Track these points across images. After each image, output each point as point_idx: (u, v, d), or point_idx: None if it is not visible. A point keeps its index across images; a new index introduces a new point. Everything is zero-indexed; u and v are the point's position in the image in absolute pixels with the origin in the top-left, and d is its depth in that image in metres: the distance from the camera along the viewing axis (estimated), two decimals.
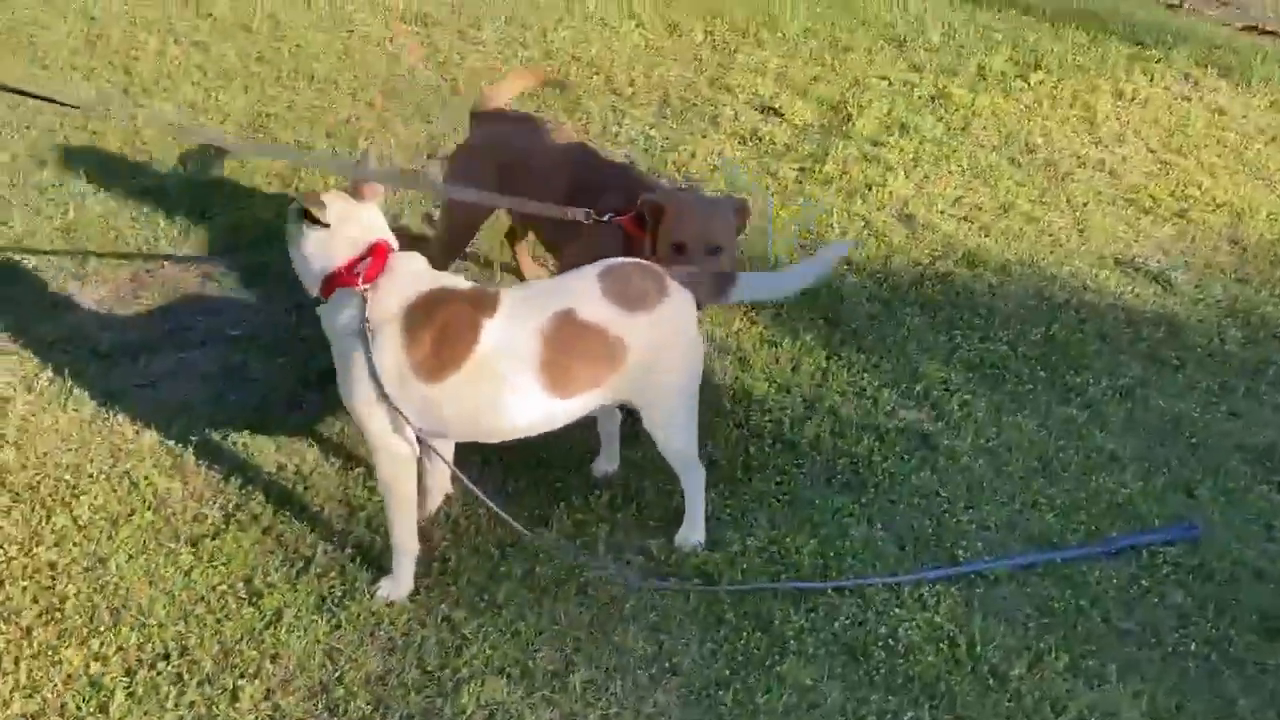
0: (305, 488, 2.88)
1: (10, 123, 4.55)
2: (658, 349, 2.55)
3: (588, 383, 2.52)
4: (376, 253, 2.50)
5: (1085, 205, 4.65)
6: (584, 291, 2.52)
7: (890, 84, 5.66)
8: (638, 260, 2.66)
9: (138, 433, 3.00)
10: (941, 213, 4.47)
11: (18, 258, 3.72)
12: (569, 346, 2.47)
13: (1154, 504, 3.04)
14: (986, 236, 4.34)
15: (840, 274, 3.98)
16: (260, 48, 5.49)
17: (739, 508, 2.95)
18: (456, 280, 2.60)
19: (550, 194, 3.05)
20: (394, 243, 2.57)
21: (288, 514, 2.79)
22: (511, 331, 2.46)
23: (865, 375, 3.47)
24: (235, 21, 5.77)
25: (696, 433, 2.73)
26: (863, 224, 4.33)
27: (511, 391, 2.46)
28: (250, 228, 3.96)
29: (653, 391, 2.61)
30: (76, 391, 3.11)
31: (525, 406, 2.49)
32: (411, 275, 2.52)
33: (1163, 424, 3.39)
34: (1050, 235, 4.41)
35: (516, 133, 3.37)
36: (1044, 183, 4.81)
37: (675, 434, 2.70)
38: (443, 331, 2.43)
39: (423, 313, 2.45)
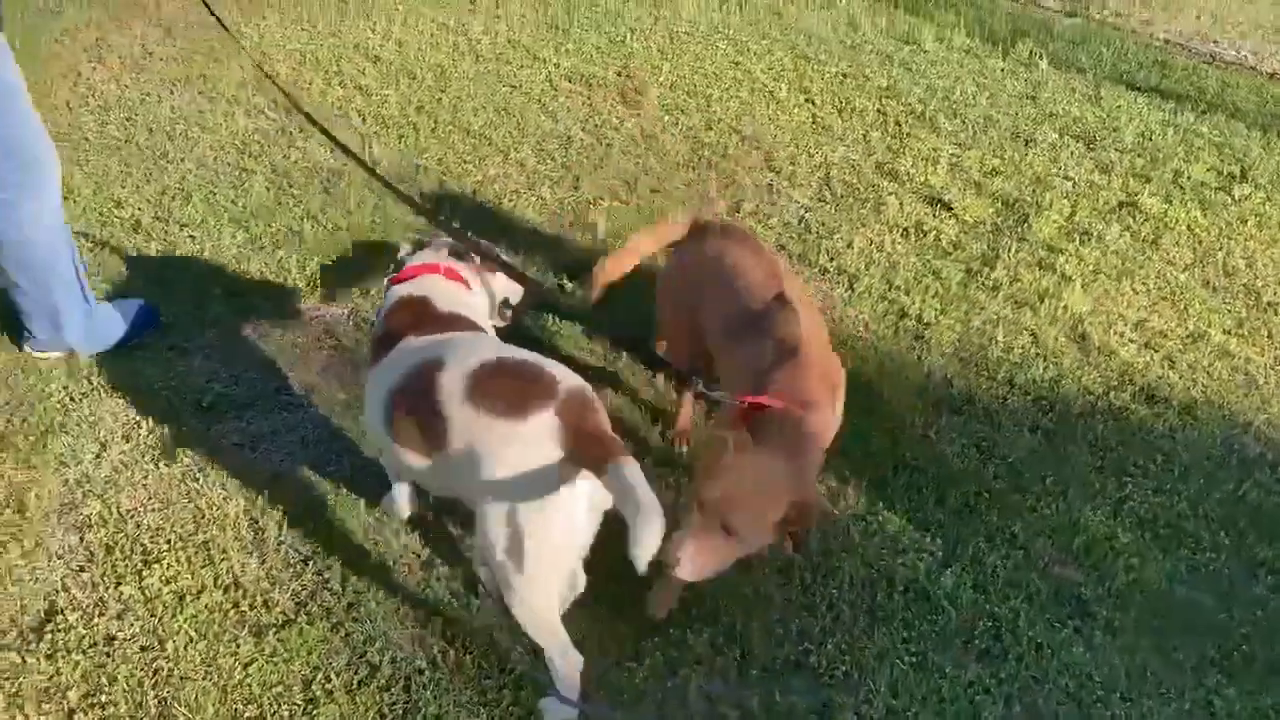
0: (385, 583, 2.67)
1: (166, 153, 4.58)
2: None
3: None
4: None
5: None
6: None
7: (1074, 185, 5.22)
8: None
9: (225, 498, 2.85)
10: (1121, 335, 4.02)
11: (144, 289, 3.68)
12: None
13: None
14: (1171, 369, 3.87)
15: (1000, 395, 3.59)
16: (421, 97, 5.45)
17: (856, 663, 2.60)
18: None
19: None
20: None
21: (361, 610, 2.57)
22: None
23: (1018, 520, 3.07)
24: (401, 68, 5.76)
25: (545, 610, 2.29)
26: (1031, 339, 3.93)
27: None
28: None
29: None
30: (172, 446, 2.99)
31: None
32: None
33: None
34: (1246, 374, 3.90)
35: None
36: (1243, 312, 4.29)
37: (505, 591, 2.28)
38: None
39: None
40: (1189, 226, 4.93)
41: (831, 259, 4.32)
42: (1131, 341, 4.00)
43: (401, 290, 2.69)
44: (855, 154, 5.30)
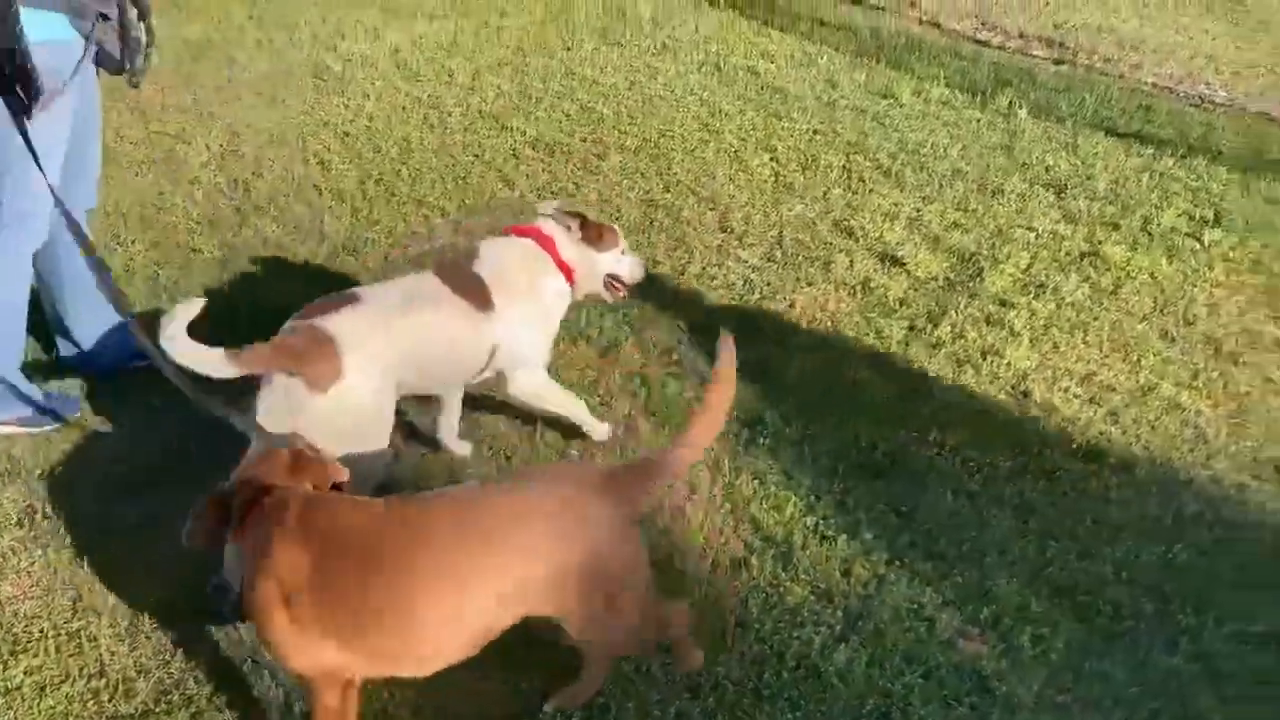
0: (253, 670, 2.62)
1: (119, 234, 4.65)
2: None
3: None
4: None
5: (1248, 394, 3.97)
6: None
7: (1037, 236, 5.12)
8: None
9: (111, 582, 2.83)
10: (1065, 391, 3.90)
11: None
12: None
13: None
14: (1114, 424, 3.74)
15: (928, 457, 3.49)
16: (382, 169, 5.51)
17: None
18: None
19: None
20: None
21: (223, 699, 2.53)
22: None
23: (927, 590, 2.95)
24: (368, 141, 5.83)
25: None
26: (968, 398, 3.83)
27: None
28: None
29: None
30: (65, 530, 2.99)
31: None
32: None
33: None
34: (1196, 427, 3.76)
35: None
36: (1199, 362, 4.15)
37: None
38: None
39: None
40: (1152, 274, 4.81)
41: (770, 320, 4.26)
42: (1076, 397, 3.88)
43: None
44: (813, 211, 5.26)
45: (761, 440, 3.53)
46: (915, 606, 2.89)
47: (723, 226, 5.06)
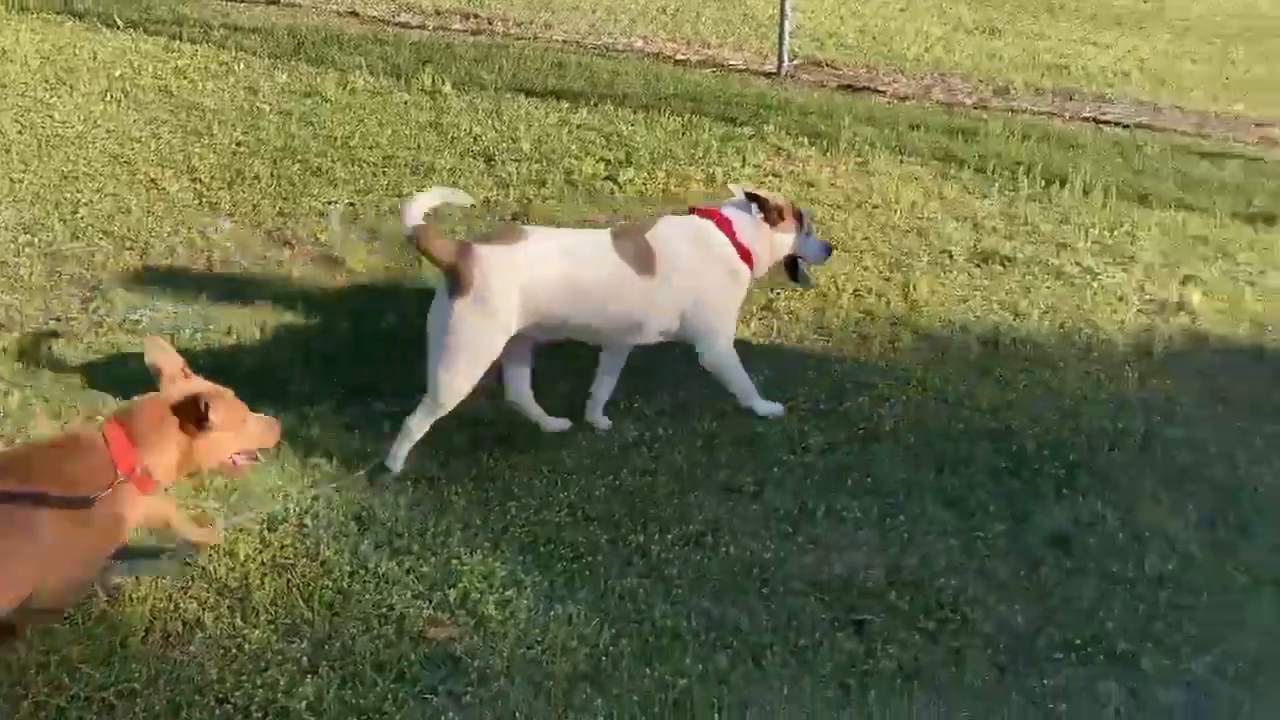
0: None
1: None
2: None
3: None
4: None
5: None
6: None
7: (474, 207, 5.22)
8: None
9: None
10: None
11: None
12: None
13: (716, 690, 2.61)
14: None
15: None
16: None
17: None
18: None
19: None
20: None
21: None
22: None
23: (394, 589, 2.91)
24: None
25: None
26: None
27: None
28: None
29: None
30: None
31: None
32: None
33: (733, 575, 2.99)
34: None
35: None
36: None
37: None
38: None
39: None
40: (580, 223, 5.08)
41: (207, 355, 3.99)
42: None
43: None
44: (244, 228, 5.00)
45: None
46: (383, 610, 2.84)
47: (145, 263, 4.66)
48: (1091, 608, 2.88)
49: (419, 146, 5.96)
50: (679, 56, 7.89)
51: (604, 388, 3.64)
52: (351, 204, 5.23)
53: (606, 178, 5.58)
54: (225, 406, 2.70)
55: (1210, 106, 7.20)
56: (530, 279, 3.22)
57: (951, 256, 4.92)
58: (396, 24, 8.60)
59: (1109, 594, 2.94)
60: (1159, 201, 5.52)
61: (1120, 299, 4.56)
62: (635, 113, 6.53)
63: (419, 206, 3.21)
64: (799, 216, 3.70)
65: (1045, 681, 2.64)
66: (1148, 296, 4.50)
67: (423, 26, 8.54)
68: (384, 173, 5.60)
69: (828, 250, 3.83)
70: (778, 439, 3.56)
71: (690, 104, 6.70)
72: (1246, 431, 3.66)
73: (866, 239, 5.05)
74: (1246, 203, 5.61)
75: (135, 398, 2.73)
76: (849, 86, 7.47)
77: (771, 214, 3.59)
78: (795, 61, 7.81)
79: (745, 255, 3.55)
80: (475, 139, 6.08)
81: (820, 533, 3.16)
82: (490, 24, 8.60)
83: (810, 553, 3.09)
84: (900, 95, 7.31)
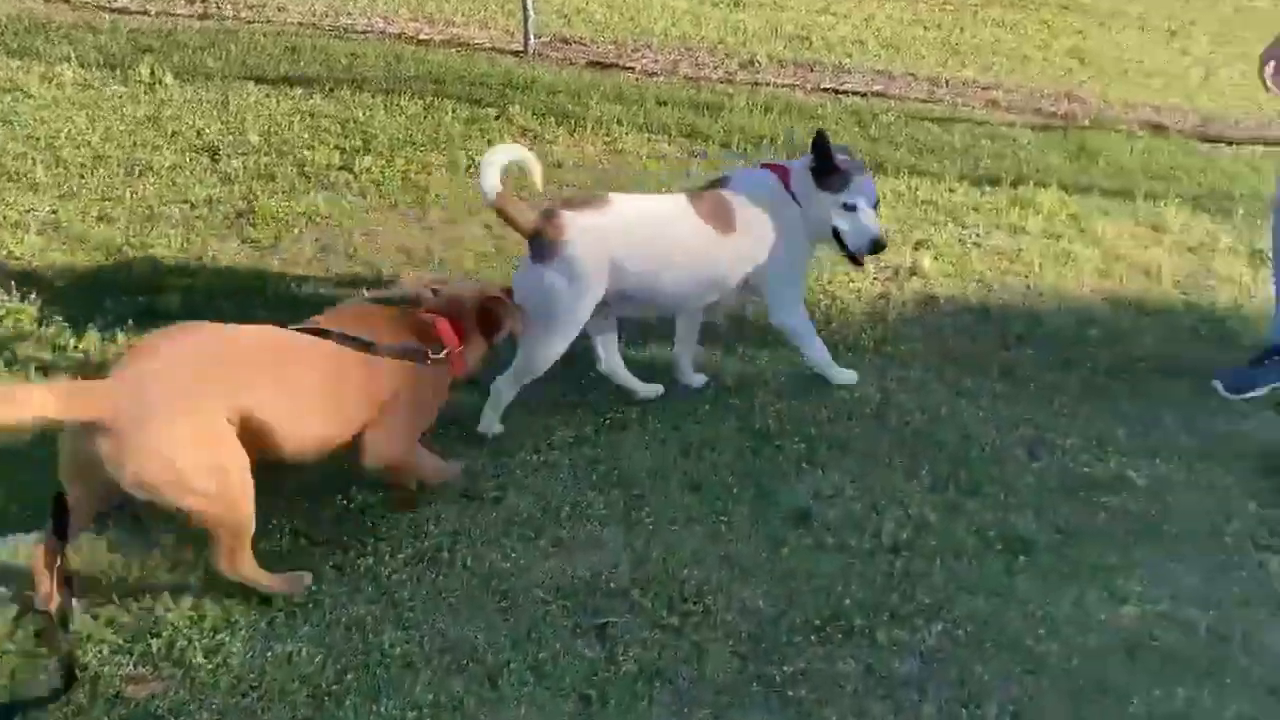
0: None
1: None
2: None
3: None
4: None
5: None
6: None
7: (193, 207, 4.85)
8: None
9: None
10: None
11: None
12: None
13: (450, 719, 2.46)
14: None
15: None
16: None
17: None
18: None
19: None
20: None
21: None
22: None
23: (88, 647, 2.60)
24: None
25: None
26: None
27: None
28: None
29: None
30: None
31: None
32: None
33: (471, 590, 2.83)
34: None
35: None
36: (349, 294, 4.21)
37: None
38: None
39: None
40: (311, 218, 4.78)
41: None
42: None
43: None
44: None
45: None
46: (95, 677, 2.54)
47: None
48: (831, 584, 2.88)
49: (134, 144, 5.48)
50: (422, 36, 7.60)
51: (688, 347, 3.70)
52: (54, 211, 4.74)
53: (342, 167, 5.29)
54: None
55: (941, 72, 7.49)
56: (617, 243, 3.24)
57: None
58: (114, 10, 7.92)
59: (848, 568, 2.95)
60: (893, 168, 5.68)
61: None
62: (374, 97, 6.22)
63: (493, 174, 3.14)
64: (844, 177, 3.37)
65: (785, 668, 2.61)
66: (883, 263, 4.60)
67: (144, 12, 7.90)
68: (93, 174, 5.11)
69: (873, 243, 3.42)
70: (521, 437, 3.42)
71: (433, 86, 6.44)
72: (974, 391, 3.78)
73: None
74: (974, 165, 5.84)
75: (453, 289, 3.13)
76: (597, 63, 7.38)
77: (821, 164, 3.38)
78: (542, 39, 7.65)
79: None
80: (199, 133, 5.65)
81: (564, 534, 3.05)
82: (219, 7, 8.05)
83: (553, 557, 2.97)
84: (649, 71, 7.27)
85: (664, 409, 3.58)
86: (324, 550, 2.95)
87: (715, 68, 7.40)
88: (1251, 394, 3.78)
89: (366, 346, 2.76)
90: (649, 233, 3.33)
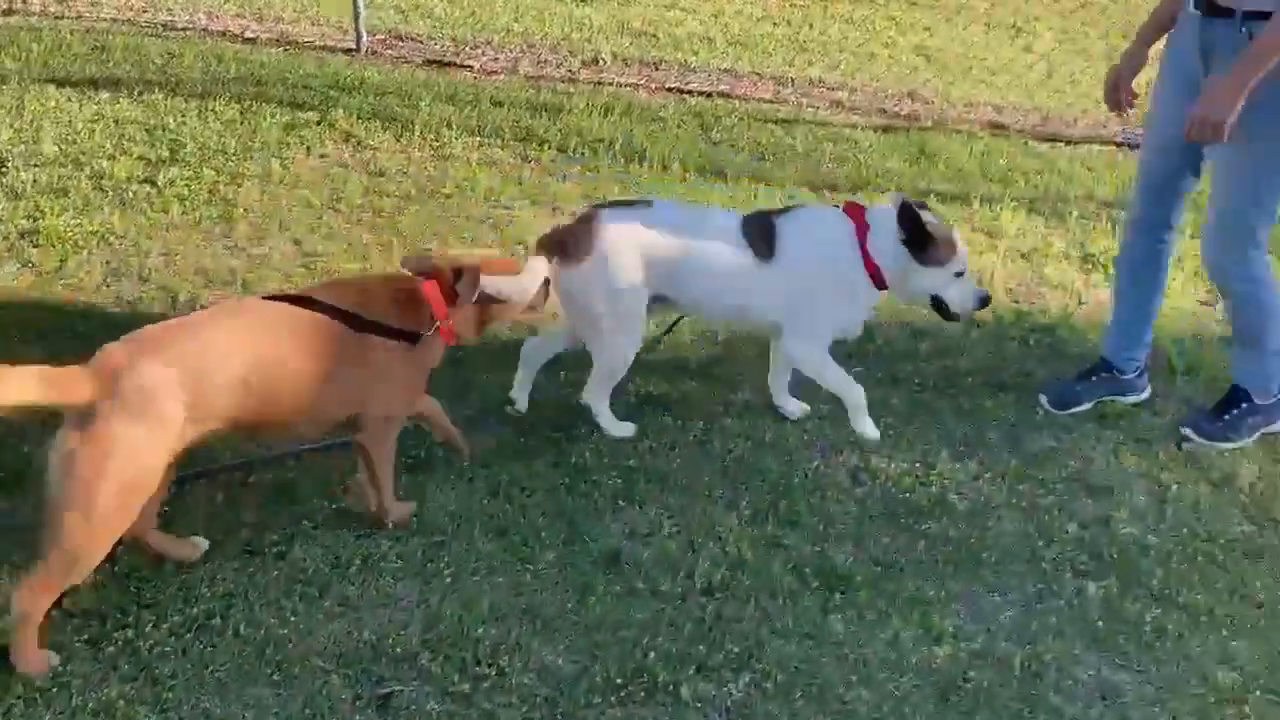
0: None
1: None
2: None
3: None
4: None
5: None
6: None
7: None
8: None
9: None
10: None
11: None
12: None
13: None
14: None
15: None
16: None
17: None
18: None
19: None
20: None
21: None
22: None
23: None
24: None
25: None
26: None
27: None
28: None
29: None
30: None
31: None
32: None
33: (243, 660, 2.57)
34: None
35: None
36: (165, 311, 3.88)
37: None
38: None
39: None
40: (104, 237, 4.41)
41: None
42: None
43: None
44: None
45: None
46: None
47: None
48: (639, 635, 2.71)
49: None
50: (248, 34, 7.19)
51: (779, 372, 3.60)
52: None
53: (145, 180, 4.91)
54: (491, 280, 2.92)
55: (788, 71, 7.41)
56: (652, 246, 3.21)
57: (528, 248, 4.67)
58: None
59: (658, 616, 2.78)
60: (733, 172, 5.55)
61: None
62: (188, 101, 5.83)
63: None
64: (946, 249, 3.24)
65: None
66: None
67: None
68: None
69: (983, 303, 3.35)
70: (314, 483, 3.16)
71: (254, 89, 6.08)
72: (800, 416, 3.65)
73: (437, 234, 4.71)
74: (815, 169, 5.76)
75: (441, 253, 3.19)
76: (435, 62, 7.09)
77: (916, 239, 3.20)
78: (377, 36, 7.32)
79: (873, 270, 3.26)
80: None
81: (353, 591, 2.80)
82: (25, 2, 7.48)
83: (338, 618, 2.72)
84: (488, 70, 7.02)
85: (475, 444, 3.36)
86: (79, 623, 2.65)
87: (558, 65, 7.19)
88: (1076, 409, 3.75)
89: (354, 320, 2.71)
90: (684, 241, 3.26)
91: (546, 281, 3.13)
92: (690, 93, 6.87)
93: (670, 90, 6.90)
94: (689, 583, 2.90)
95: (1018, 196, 5.47)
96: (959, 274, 3.28)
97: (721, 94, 6.86)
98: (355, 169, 5.24)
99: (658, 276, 3.26)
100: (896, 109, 6.79)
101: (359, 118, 5.78)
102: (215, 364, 2.50)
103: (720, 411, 3.64)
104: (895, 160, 5.96)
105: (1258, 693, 2.68)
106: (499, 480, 3.23)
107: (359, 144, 5.51)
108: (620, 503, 3.18)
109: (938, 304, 3.33)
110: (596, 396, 3.43)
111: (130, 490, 2.42)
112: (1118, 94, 3.55)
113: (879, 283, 3.29)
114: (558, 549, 2.99)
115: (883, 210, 3.27)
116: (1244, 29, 3.12)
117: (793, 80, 7.20)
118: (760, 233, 3.29)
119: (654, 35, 8.05)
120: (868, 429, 3.51)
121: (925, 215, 3.22)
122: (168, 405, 2.42)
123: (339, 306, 2.70)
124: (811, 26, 8.55)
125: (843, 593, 2.90)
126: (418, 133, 5.67)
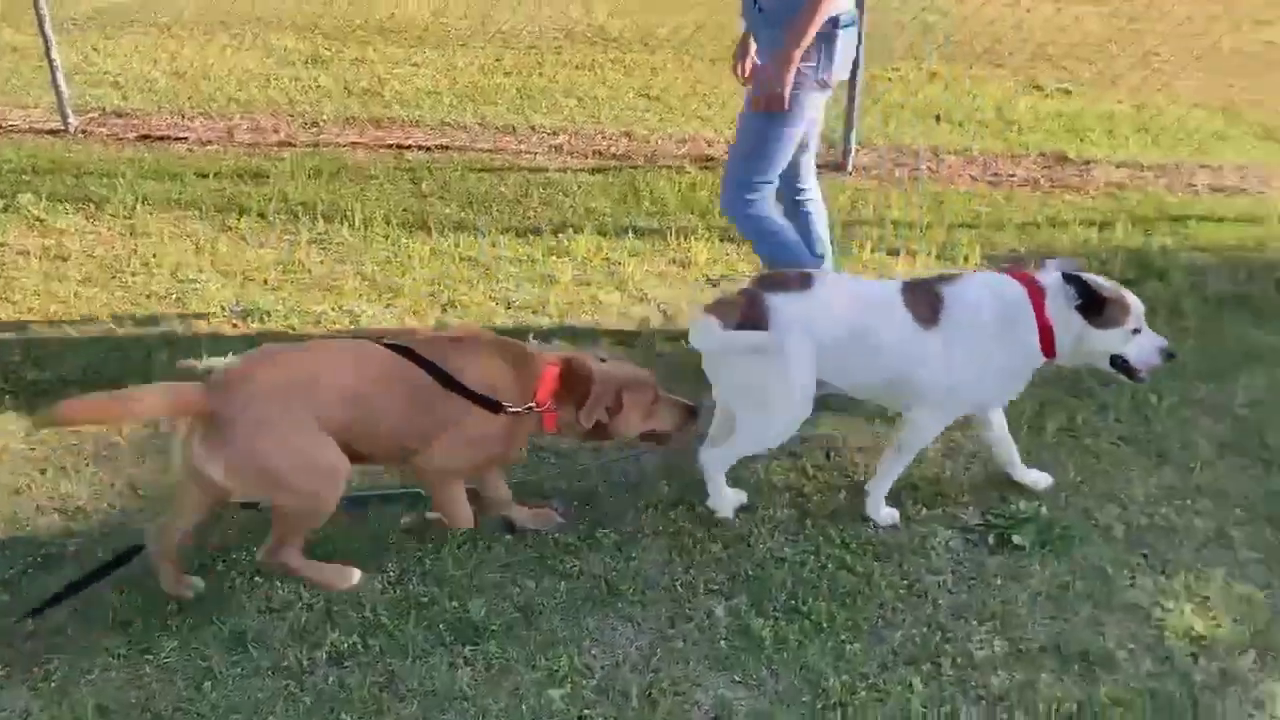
0: None
1: None
2: None
3: None
4: None
5: None
6: None
7: None
8: None
9: None
10: None
11: None
12: None
13: None
14: None
15: None
16: None
17: None
18: None
19: None
20: None
21: None
22: None
23: None
24: None
25: None
26: None
27: None
28: None
29: None
30: None
31: None
32: None
33: None
34: None
35: None
36: None
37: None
38: None
39: None
40: None
41: None
42: None
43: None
44: None
45: None
46: None
47: None
48: (249, 717, 2.65)
49: None
50: None
51: (1006, 447, 3.51)
52: None
53: None
54: (630, 401, 3.19)
55: (514, 120, 7.48)
56: (817, 323, 3.10)
57: (210, 320, 4.58)
58: None
59: (275, 695, 2.73)
60: (439, 225, 5.57)
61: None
62: None
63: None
64: (1123, 310, 3.13)
65: None
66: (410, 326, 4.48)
67: None
68: None
69: (1167, 355, 3.19)
70: None
71: None
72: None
73: (116, 315, 4.56)
74: (522, 215, 5.83)
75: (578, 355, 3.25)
76: (148, 137, 6.89)
77: (1094, 304, 3.10)
78: (89, 115, 7.08)
79: (1046, 335, 3.13)
80: None
81: None
82: None
83: None
84: (203, 140, 6.86)
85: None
86: None
87: (275, 131, 7.08)
88: None
89: (441, 375, 2.96)
90: (848, 316, 3.18)
91: (694, 414, 3.30)
92: (409, 147, 6.87)
93: (389, 147, 6.89)
94: (317, 654, 2.86)
95: (711, 227, 5.64)
96: (1135, 330, 3.18)
97: (440, 147, 6.89)
98: (39, 255, 5.04)
99: (822, 354, 3.13)
100: (612, 149, 6.94)
101: (49, 199, 5.56)
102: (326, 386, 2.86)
103: (379, 470, 3.62)
104: (602, 200, 6.08)
105: (863, 693, 2.79)
106: (134, 568, 3.12)
107: (46, 227, 5.30)
108: (258, 579, 3.12)
109: (1120, 364, 3.23)
110: (720, 465, 3.37)
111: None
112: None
113: (1048, 350, 3.21)
114: (182, 635, 2.91)
115: (1047, 276, 3.19)
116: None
117: (514, 128, 7.28)
118: (924, 298, 3.19)
119: (379, 93, 8.01)
120: (890, 516, 3.44)
121: (1089, 277, 3.15)
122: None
123: (432, 361, 2.96)
124: (542, 74, 8.65)
125: (475, 645, 2.91)
126: (109, 213, 5.49)
